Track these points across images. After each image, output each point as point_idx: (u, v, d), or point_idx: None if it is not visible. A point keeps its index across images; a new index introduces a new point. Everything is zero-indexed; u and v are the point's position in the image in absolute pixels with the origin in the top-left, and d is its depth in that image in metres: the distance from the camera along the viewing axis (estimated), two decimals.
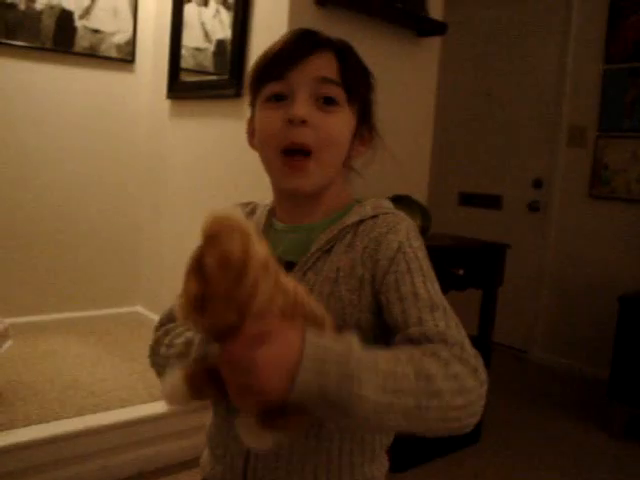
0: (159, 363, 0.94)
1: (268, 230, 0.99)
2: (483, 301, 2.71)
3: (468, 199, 4.37)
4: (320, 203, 0.95)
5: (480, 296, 2.71)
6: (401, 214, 0.92)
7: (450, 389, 0.69)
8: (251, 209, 1.05)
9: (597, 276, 3.69)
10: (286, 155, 0.89)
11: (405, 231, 0.87)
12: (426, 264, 0.85)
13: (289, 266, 0.91)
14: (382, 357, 0.68)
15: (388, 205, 0.95)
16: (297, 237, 0.95)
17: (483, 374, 0.74)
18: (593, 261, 3.72)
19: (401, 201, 2.35)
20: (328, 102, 0.89)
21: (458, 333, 0.76)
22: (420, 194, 2.79)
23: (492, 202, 4.22)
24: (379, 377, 0.66)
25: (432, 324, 0.76)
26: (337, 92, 0.89)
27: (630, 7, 3.56)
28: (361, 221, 0.90)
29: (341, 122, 0.91)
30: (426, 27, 2.72)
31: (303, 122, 0.86)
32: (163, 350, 0.93)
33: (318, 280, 0.87)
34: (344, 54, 0.92)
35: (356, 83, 0.92)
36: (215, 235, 0.63)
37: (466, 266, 2.46)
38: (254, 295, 0.63)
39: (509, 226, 4.07)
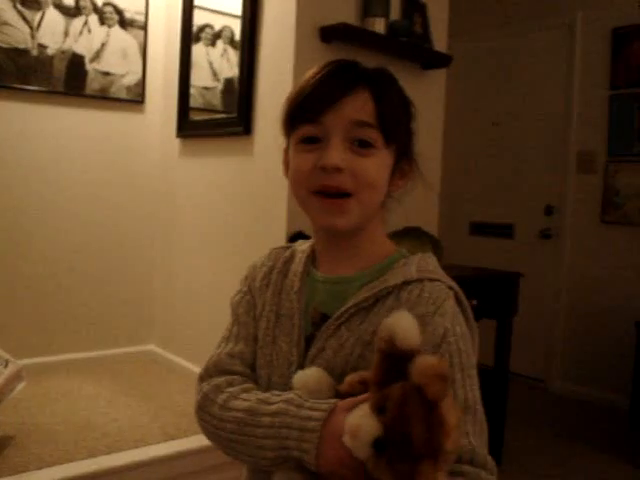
0: (212, 423, 0.91)
1: (305, 278, 0.96)
2: (498, 331, 2.68)
3: (479, 228, 4.36)
4: (359, 248, 0.93)
5: (495, 326, 2.68)
6: (446, 282, 0.89)
7: None
8: (290, 254, 1.02)
9: (613, 302, 3.64)
10: (321, 195, 0.87)
11: (451, 313, 0.85)
12: (466, 355, 0.85)
13: (324, 318, 0.90)
14: None
15: (433, 264, 0.93)
16: (334, 289, 0.93)
17: None
18: (608, 287, 3.68)
19: (411, 233, 2.34)
20: (363, 145, 0.86)
21: (482, 445, 0.83)
22: (431, 225, 2.79)
23: (504, 231, 4.21)
24: None
25: (463, 432, 0.80)
26: (373, 134, 0.86)
27: (632, 33, 3.59)
28: (405, 283, 0.87)
29: (377, 164, 0.88)
30: (431, 60, 2.75)
31: (338, 169, 0.85)
32: (215, 410, 0.90)
33: (351, 338, 0.86)
34: (381, 91, 0.88)
35: (394, 123, 0.89)
36: (427, 384, 0.68)
37: (480, 296, 2.44)
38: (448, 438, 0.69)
39: (522, 254, 4.04)
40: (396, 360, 0.72)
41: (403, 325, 0.73)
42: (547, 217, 3.99)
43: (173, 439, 2.27)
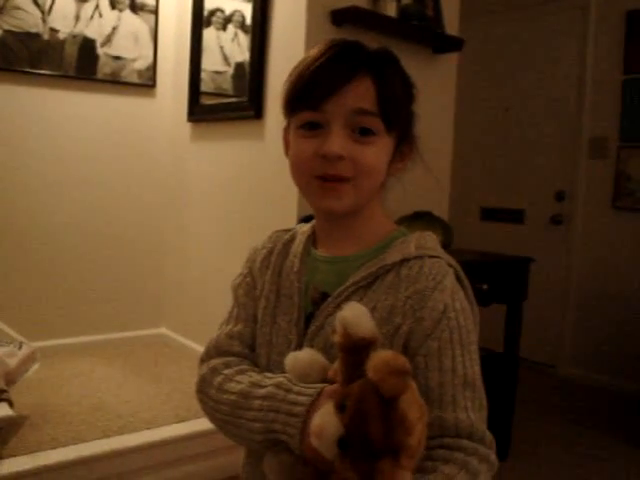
0: (209, 405, 0.93)
1: (306, 258, 0.97)
2: (508, 316, 2.68)
3: (490, 214, 4.35)
4: (358, 228, 0.94)
5: (505, 311, 2.68)
6: (445, 258, 0.90)
7: None
8: (291, 236, 1.03)
9: (623, 288, 3.63)
10: (320, 179, 0.88)
11: (451, 289, 0.86)
12: (466, 330, 0.86)
13: (324, 297, 0.91)
14: None
15: (432, 242, 0.93)
16: (335, 268, 0.94)
17: (496, 463, 0.83)
18: (618, 273, 3.67)
19: (422, 218, 2.35)
20: (364, 132, 0.87)
21: (481, 421, 0.84)
22: (441, 210, 2.79)
23: (514, 216, 4.19)
24: None
25: (462, 406, 0.82)
26: (374, 122, 0.87)
27: None
28: (404, 260, 0.88)
29: (378, 152, 0.88)
30: (442, 44, 2.73)
31: (339, 158, 0.85)
32: (213, 393, 0.92)
33: None
34: (383, 76, 0.88)
35: (396, 110, 0.89)
36: (384, 379, 0.67)
37: (490, 281, 2.44)
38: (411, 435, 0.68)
39: (532, 240, 4.03)
40: (357, 353, 0.71)
41: (353, 314, 0.73)
42: (558, 203, 3.98)
43: (184, 421, 2.29)
